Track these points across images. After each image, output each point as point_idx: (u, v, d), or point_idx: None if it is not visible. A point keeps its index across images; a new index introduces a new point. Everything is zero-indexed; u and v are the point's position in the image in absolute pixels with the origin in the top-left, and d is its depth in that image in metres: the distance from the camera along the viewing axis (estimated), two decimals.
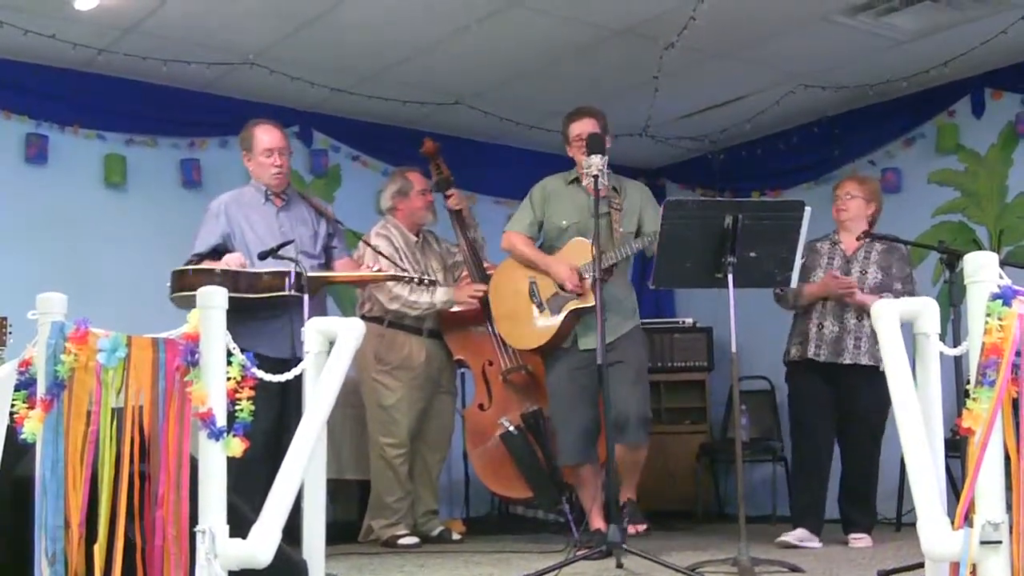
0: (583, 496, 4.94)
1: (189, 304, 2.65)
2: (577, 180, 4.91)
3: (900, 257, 5.14)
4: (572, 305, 4.77)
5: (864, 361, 4.98)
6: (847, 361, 4.99)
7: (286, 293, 4.46)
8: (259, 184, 4.90)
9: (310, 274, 4.47)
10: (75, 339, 2.51)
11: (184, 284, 4.39)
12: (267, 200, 4.87)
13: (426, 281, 4.95)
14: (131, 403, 2.51)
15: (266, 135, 4.86)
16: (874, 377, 4.88)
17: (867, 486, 5.10)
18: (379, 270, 4.87)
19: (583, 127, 4.83)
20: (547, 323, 4.86)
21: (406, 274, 4.98)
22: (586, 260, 4.72)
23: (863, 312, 4.94)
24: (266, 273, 4.50)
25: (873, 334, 4.88)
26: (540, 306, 4.89)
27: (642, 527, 4.42)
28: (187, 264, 4.64)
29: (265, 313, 4.50)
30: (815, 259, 5.15)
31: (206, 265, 4.55)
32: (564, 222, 4.88)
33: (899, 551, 4.47)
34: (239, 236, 4.75)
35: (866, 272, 5.09)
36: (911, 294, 4.98)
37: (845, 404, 5.04)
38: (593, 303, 4.61)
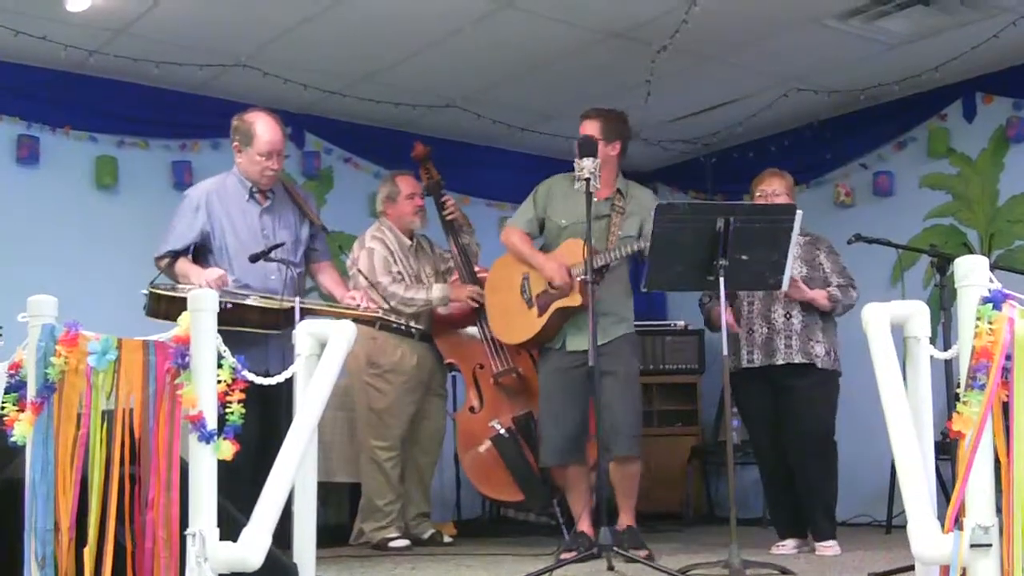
0: (570, 498, 4.93)
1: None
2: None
3: (828, 249, 5.01)
4: (557, 304, 4.77)
5: (797, 359, 4.83)
6: (780, 361, 4.85)
7: (273, 332, 4.22)
8: (245, 179, 4.58)
9: (300, 306, 4.22)
10: (65, 342, 2.51)
11: (160, 311, 4.09)
12: (251, 197, 4.57)
13: (413, 330, 4.98)
14: (121, 406, 2.51)
15: (268, 134, 4.51)
16: (810, 373, 4.84)
17: (825, 489, 4.85)
18: (366, 308, 4.63)
19: (583, 129, 4.84)
20: (533, 320, 4.87)
21: (392, 319, 4.91)
22: (578, 260, 4.70)
23: (790, 310, 4.87)
24: (254, 308, 4.24)
25: (803, 330, 4.84)
26: (529, 302, 4.91)
27: (642, 553, 4.34)
28: (162, 256, 4.45)
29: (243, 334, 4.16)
30: None
31: (186, 281, 4.29)
32: (563, 221, 4.87)
33: (889, 554, 4.47)
34: (219, 236, 4.48)
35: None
36: (852, 287, 4.92)
37: (787, 404, 4.88)
38: (579, 303, 4.67)
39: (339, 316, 4.89)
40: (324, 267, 4.85)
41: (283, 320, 4.23)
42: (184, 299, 4.12)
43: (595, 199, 4.76)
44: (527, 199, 5.02)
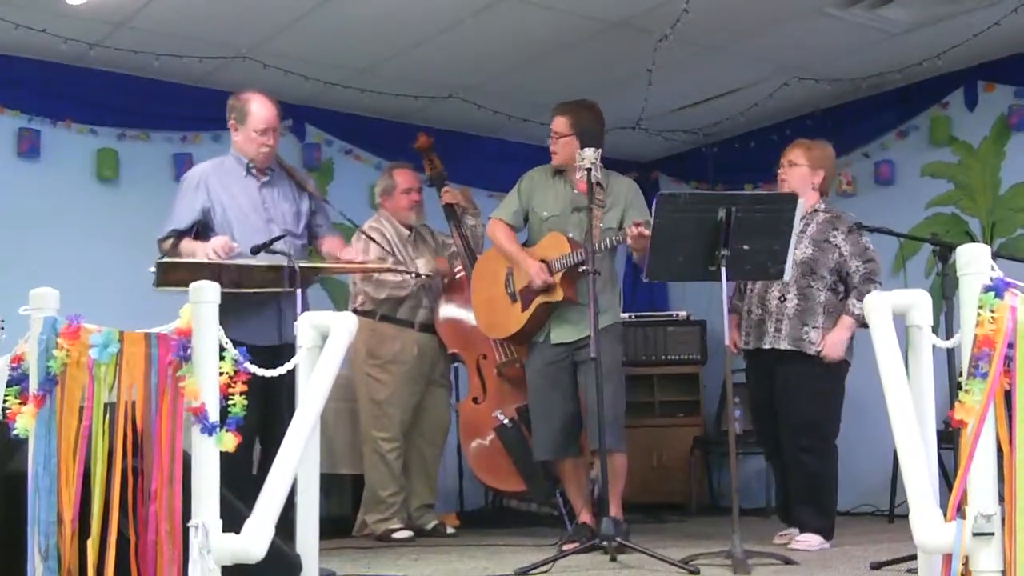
0: (569, 491, 4.95)
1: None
2: (560, 172, 4.91)
3: (848, 229, 4.71)
4: (540, 300, 4.78)
5: (783, 346, 4.65)
6: (766, 346, 4.69)
7: (279, 289, 4.24)
8: (242, 157, 4.64)
9: (302, 265, 4.28)
10: (67, 334, 2.51)
11: (171, 279, 4.13)
12: (249, 173, 4.62)
13: (422, 276, 4.94)
14: (124, 398, 2.51)
15: (262, 112, 4.59)
16: (799, 361, 4.66)
17: (813, 484, 4.67)
18: (366, 260, 4.71)
19: (553, 125, 4.89)
20: (517, 315, 4.87)
21: (401, 267, 4.95)
22: (560, 253, 4.73)
23: (784, 293, 4.68)
24: (260, 267, 4.30)
25: (796, 315, 4.67)
26: (513, 297, 4.91)
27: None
28: (165, 238, 4.48)
29: (252, 299, 4.28)
30: None
31: (192, 258, 4.33)
32: (545, 213, 4.89)
33: (892, 543, 4.47)
34: (220, 211, 4.52)
35: (796, 247, 4.52)
36: (874, 272, 4.69)
37: (777, 393, 4.72)
38: (561, 297, 4.71)
39: (342, 272, 5.06)
40: (329, 239, 4.82)
41: (283, 277, 4.24)
42: (194, 263, 4.17)
43: (575, 191, 4.77)
44: (511, 191, 5.04)
